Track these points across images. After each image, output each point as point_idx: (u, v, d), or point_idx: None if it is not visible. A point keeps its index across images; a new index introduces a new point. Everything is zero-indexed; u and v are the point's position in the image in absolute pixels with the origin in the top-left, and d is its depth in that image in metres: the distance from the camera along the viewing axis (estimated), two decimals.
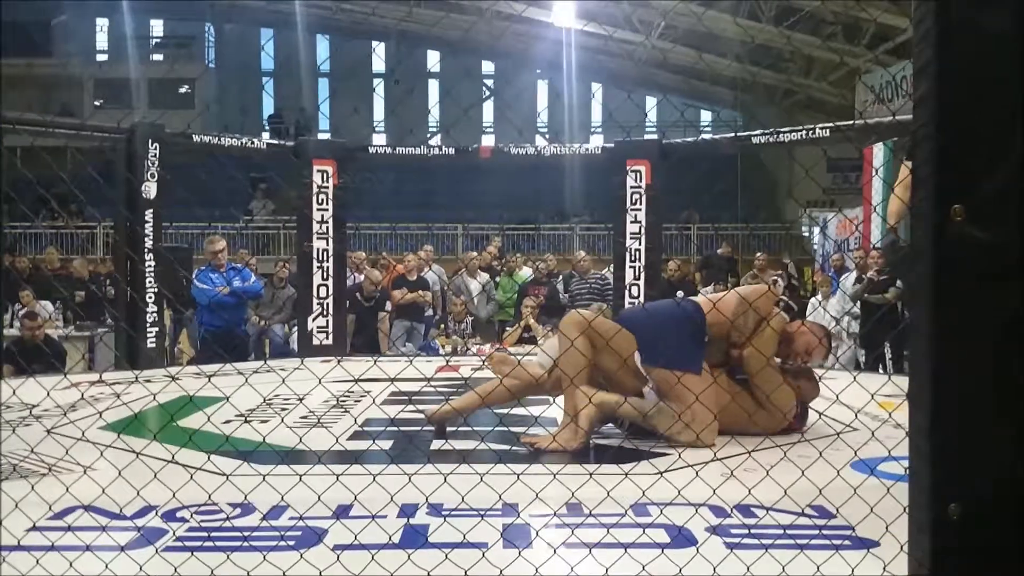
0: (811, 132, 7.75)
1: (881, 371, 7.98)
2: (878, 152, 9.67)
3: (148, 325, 7.44)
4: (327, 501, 2.48)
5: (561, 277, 10.78)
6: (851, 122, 9.67)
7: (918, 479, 1.97)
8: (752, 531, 2.43)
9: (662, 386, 3.78)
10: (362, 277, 9.42)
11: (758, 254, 11.92)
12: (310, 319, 8.25)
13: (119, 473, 2.45)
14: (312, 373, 2.44)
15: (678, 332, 3.85)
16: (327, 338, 8.29)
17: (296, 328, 8.95)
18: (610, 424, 4.01)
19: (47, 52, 21.96)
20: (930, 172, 1.93)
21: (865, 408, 3.61)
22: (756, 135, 8.29)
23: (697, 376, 3.71)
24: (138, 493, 2.44)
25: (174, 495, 2.51)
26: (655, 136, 15.32)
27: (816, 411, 4.06)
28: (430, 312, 9.82)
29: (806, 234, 18.85)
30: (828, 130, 7.83)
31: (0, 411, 3.56)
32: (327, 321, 8.32)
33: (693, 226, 18.96)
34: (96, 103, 23.22)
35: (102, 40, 25.33)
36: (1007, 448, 1.88)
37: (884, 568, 2.06)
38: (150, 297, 7.47)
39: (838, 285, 9.70)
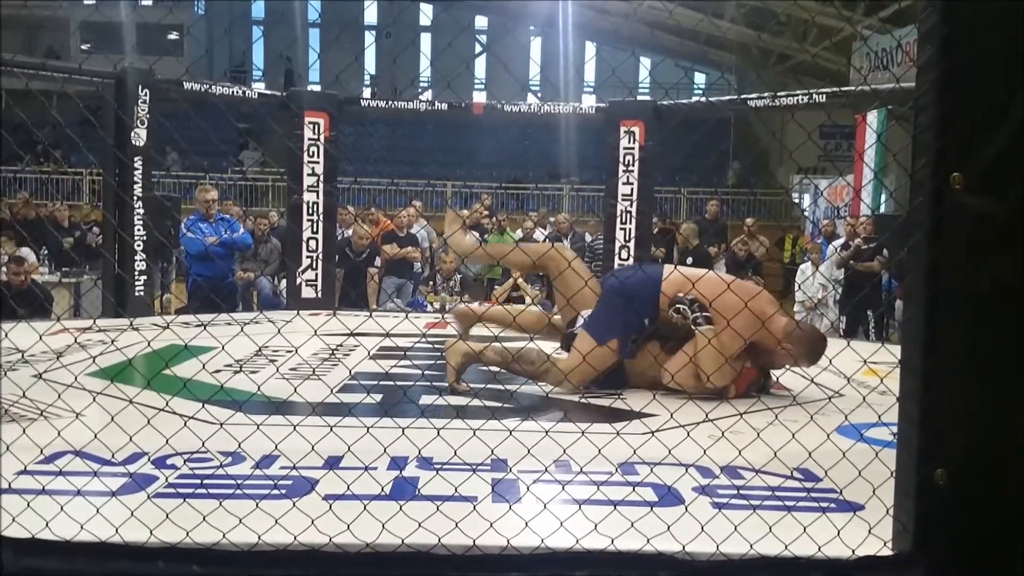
0: (809, 97, 7.72)
1: (864, 339, 8.04)
2: (872, 119, 9.66)
3: (136, 273, 7.40)
4: (318, 452, 2.49)
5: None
6: (851, 88, 9.61)
7: (906, 444, 2.00)
8: (740, 492, 2.46)
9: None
10: (351, 232, 9.39)
11: (748, 219, 11.92)
12: (299, 272, 8.23)
13: (111, 419, 2.45)
14: (309, 325, 2.44)
15: (617, 309, 4.09)
16: (316, 292, 8.27)
17: (285, 280, 8.94)
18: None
19: None
20: (931, 139, 1.94)
21: (854, 375, 3.66)
22: (753, 98, 8.24)
23: (595, 344, 4.00)
24: (131, 439, 2.45)
25: (167, 441, 2.52)
26: (648, 97, 15.20)
27: (807, 377, 4.09)
28: (419, 268, 9.82)
29: (796, 201, 18.85)
30: (826, 95, 7.79)
31: None
32: (316, 275, 8.30)
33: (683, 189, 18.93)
34: (83, 47, 22.86)
35: None
36: (995, 415, 1.90)
37: (869, 531, 2.09)
38: (138, 245, 7.43)
39: (826, 252, 9.74)
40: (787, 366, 4.10)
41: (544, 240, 10.42)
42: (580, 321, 4.21)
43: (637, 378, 4.21)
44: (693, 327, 3.96)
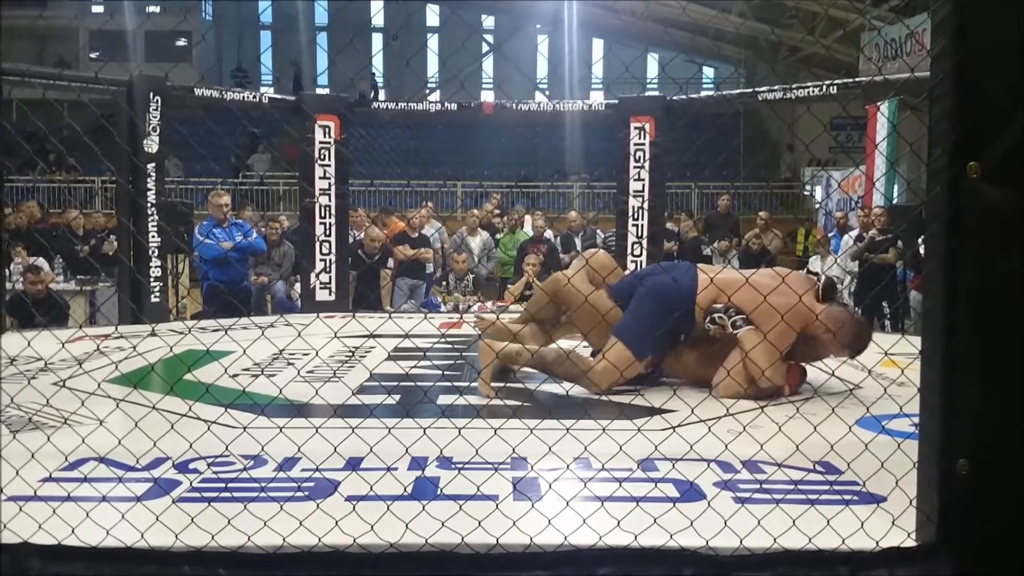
0: (820, 88, 7.67)
1: (879, 331, 8.00)
2: (883, 109, 9.60)
3: (152, 280, 7.45)
4: (340, 453, 2.50)
5: (559, 237, 10.85)
6: (864, 78, 9.56)
7: (928, 435, 1.99)
8: (763, 486, 2.46)
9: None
10: (363, 234, 9.41)
11: (761, 212, 11.89)
12: (313, 275, 8.26)
13: (135, 425, 2.46)
14: (329, 328, 2.45)
15: (654, 318, 3.94)
16: (330, 294, 8.30)
17: (299, 284, 8.97)
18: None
19: (41, 1, 21.64)
20: (946, 129, 1.93)
21: (874, 367, 3.65)
22: (764, 91, 8.21)
23: (629, 355, 3.90)
24: (155, 444, 2.46)
25: (191, 446, 2.53)
26: (658, 92, 15.14)
27: (827, 370, 4.08)
28: (431, 269, 9.83)
29: (808, 193, 18.78)
30: (837, 86, 7.74)
31: (0, 365, 3.59)
32: (330, 277, 8.34)
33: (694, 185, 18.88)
34: (92, 55, 22.95)
35: None
36: (1017, 405, 1.90)
37: (893, 523, 2.09)
38: (153, 251, 7.47)
39: (839, 244, 9.70)
40: (832, 355, 3.96)
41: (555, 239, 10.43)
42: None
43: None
44: (733, 331, 3.87)
